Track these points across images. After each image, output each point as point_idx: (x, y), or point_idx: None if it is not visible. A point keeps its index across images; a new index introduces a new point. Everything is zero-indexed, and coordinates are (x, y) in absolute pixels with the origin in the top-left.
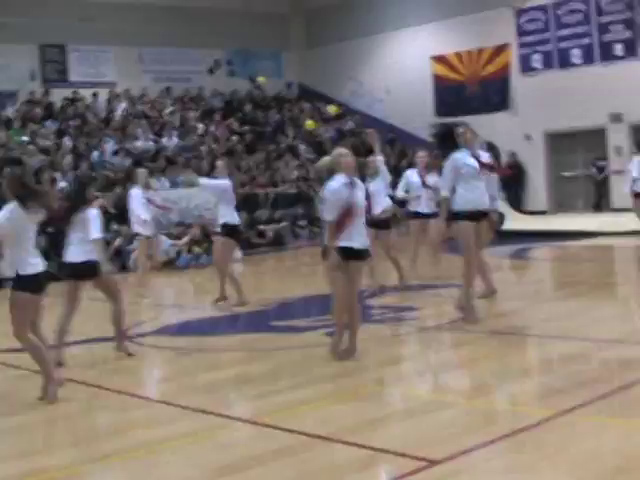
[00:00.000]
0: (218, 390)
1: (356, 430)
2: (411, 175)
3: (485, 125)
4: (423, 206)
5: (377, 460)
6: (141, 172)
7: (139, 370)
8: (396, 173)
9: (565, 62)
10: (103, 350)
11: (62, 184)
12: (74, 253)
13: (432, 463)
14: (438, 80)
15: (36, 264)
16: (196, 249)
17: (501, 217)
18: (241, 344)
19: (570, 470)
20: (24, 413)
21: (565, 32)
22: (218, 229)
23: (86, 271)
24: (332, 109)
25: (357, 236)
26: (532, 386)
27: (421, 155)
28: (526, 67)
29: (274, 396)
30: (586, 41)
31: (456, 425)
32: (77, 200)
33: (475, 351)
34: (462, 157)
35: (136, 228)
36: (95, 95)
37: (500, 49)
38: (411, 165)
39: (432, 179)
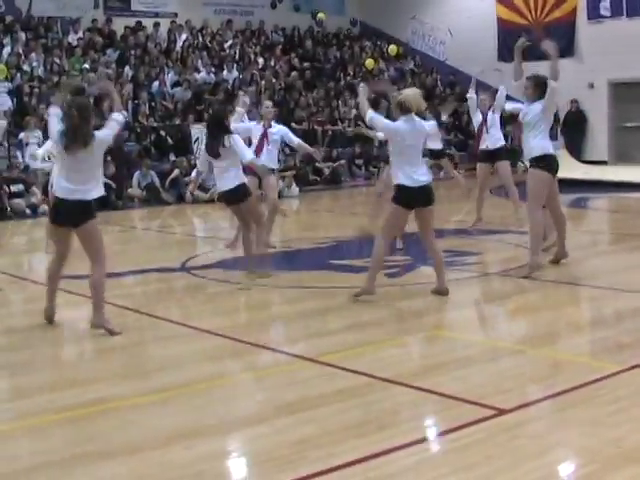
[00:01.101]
0: (279, 327)
1: (420, 374)
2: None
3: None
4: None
5: (443, 405)
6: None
7: (200, 303)
8: (456, 116)
9: (633, 11)
10: (164, 281)
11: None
12: (226, 181)
13: (501, 412)
14: (502, 23)
15: None
16: None
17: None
18: (300, 281)
19: None
20: (84, 342)
21: None
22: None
23: (238, 196)
24: (393, 49)
25: None
26: (598, 338)
27: (483, 97)
28: (593, 14)
29: (334, 335)
30: None
31: (522, 374)
32: (219, 132)
33: (538, 300)
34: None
35: None
36: (156, 25)
37: None
38: None
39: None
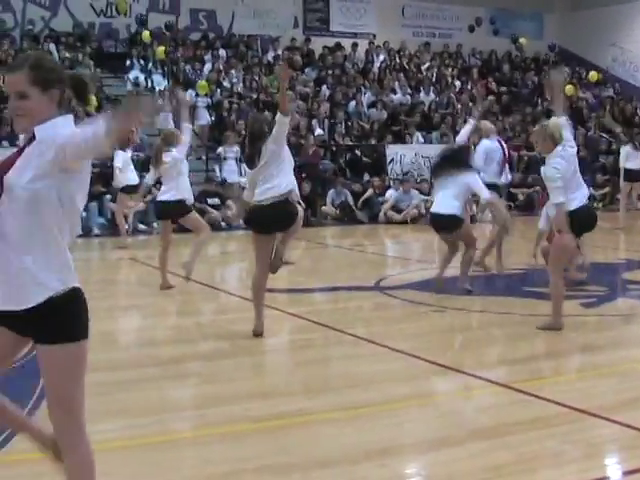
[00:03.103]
0: (472, 350)
1: (617, 407)
2: None
3: None
4: None
5: None
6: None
7: (391, 322)
8: None
9: None
10: (355, 299)
11: (318, 131)
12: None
13: None
14: None
15: None
16: None
17: None
18: (496, 306)
19: None
20: (280, 354)
21: None
22: None
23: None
24: (593, 76)
25: None
26: None
27: None
28: None
29: (528, 363)
30: None
31: None
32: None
33: None
34: None
35: None
36: (355, 45)
37: None
38: None
39: None
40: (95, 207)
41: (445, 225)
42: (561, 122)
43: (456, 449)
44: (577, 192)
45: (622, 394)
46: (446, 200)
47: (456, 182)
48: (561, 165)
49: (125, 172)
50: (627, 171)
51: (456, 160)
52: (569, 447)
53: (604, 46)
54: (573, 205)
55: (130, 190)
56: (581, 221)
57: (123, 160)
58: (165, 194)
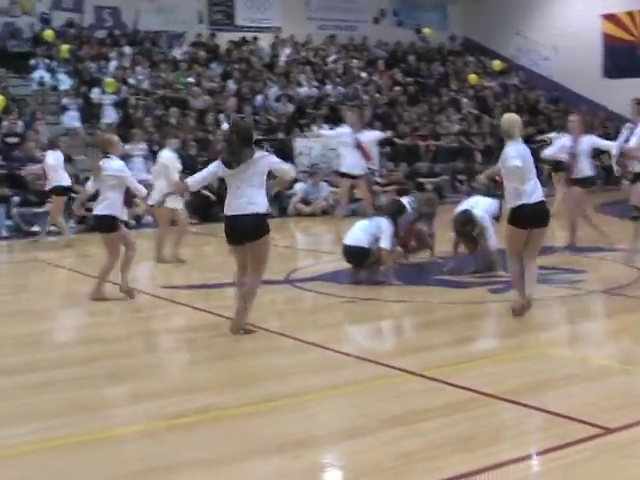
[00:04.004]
0: (383, 340)
1: (525, 391)
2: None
3: None
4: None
5: (550, 423)
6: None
7: (304, 315)
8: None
9: None
10: (268, 293)
11: (225, 126)
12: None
13: (608, 431)
14: (608, 40)
15: None
16: None
17: None
18: (404, 295)
19: None
20: (191, 351)
21: None
22: None
23: None
24: (497, 65)
25: None
26: None
27: (571, 119)
28: None
29: (439, 350)
30: None
31: (629, 393)
32: None
33: None
34: None
35: None
36: (260, 40)
37: None
38: None
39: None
40: (2, 210)
41: None
42: None
43: (368, 438)
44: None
45: (530, 378)
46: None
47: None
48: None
49: (57, 172)
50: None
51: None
52: (479, 431)
53: (508, 35)
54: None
55: (62, 192)
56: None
57: (55, 160)
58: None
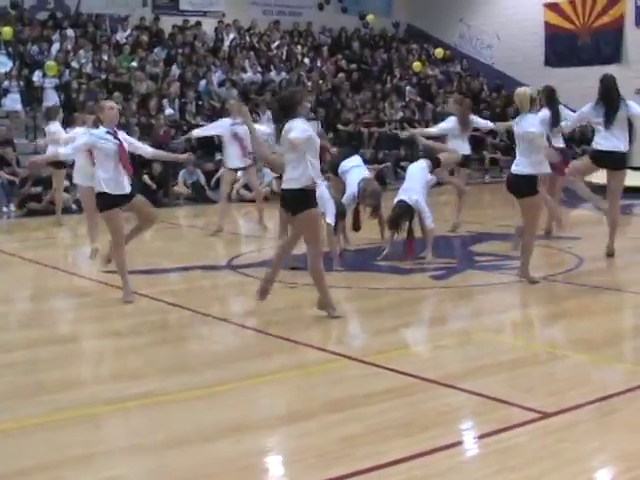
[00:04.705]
0: (325, 325)
1: (466, 376)
2: None
3: (595, 77)
4: None
5: (488, 407)
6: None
7: (245, 301)
8: (503, 120)
9: None
10: (209, 278)
11: (169, 111)
12: None
13: (545, 415)
14: (550, 29)
15: None
16: None
17: None
18: (346, 281)
19: None
20: (131, 336)
21: None
22: None
23: None
24: (439, 52)
25: None
26: None
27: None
28: None
29: (381, 336)
30: None
31: (566, 378)
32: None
33: (583, 305)
34: None
35: None
36: (204, 24)
37: (615, 0)
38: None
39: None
40: None
41: None
42: None
43: (309, 423)
44: None
45: (469, 363)
46: None
47: None
48: None
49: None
50: None
51: None
52: (419, 416)
53: (451, 23)
54: None
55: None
56: None
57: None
58: None
